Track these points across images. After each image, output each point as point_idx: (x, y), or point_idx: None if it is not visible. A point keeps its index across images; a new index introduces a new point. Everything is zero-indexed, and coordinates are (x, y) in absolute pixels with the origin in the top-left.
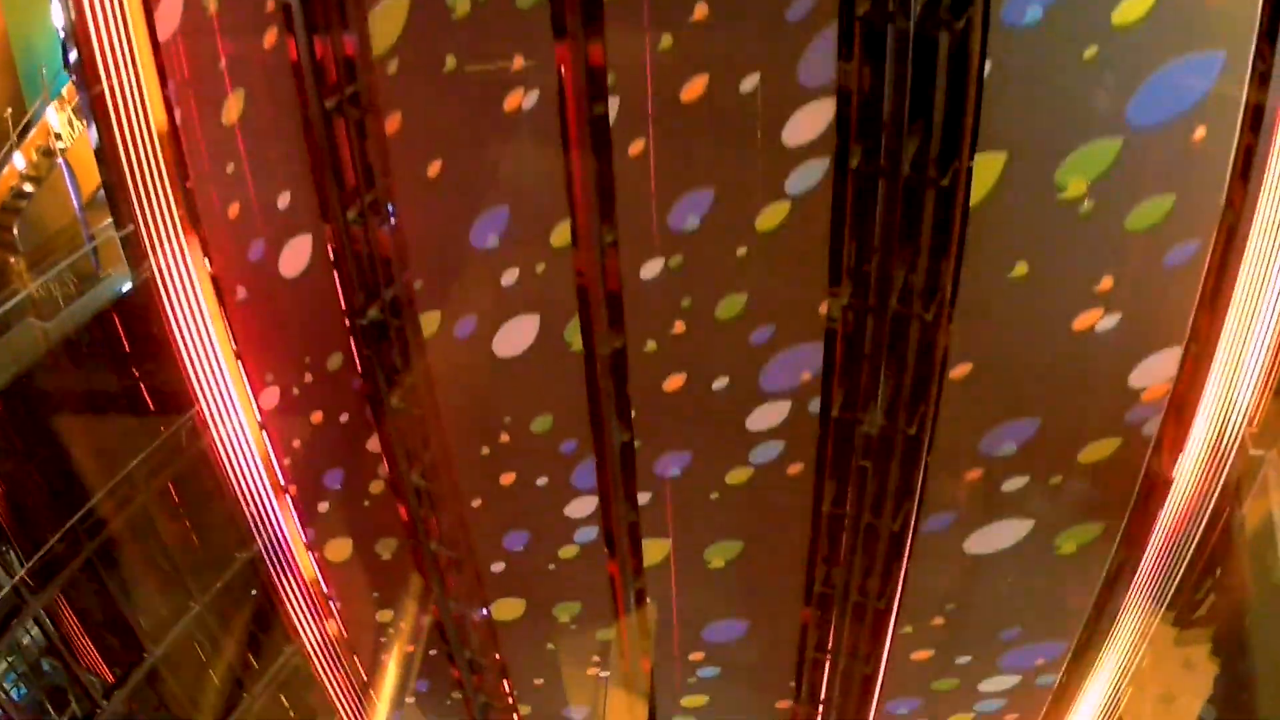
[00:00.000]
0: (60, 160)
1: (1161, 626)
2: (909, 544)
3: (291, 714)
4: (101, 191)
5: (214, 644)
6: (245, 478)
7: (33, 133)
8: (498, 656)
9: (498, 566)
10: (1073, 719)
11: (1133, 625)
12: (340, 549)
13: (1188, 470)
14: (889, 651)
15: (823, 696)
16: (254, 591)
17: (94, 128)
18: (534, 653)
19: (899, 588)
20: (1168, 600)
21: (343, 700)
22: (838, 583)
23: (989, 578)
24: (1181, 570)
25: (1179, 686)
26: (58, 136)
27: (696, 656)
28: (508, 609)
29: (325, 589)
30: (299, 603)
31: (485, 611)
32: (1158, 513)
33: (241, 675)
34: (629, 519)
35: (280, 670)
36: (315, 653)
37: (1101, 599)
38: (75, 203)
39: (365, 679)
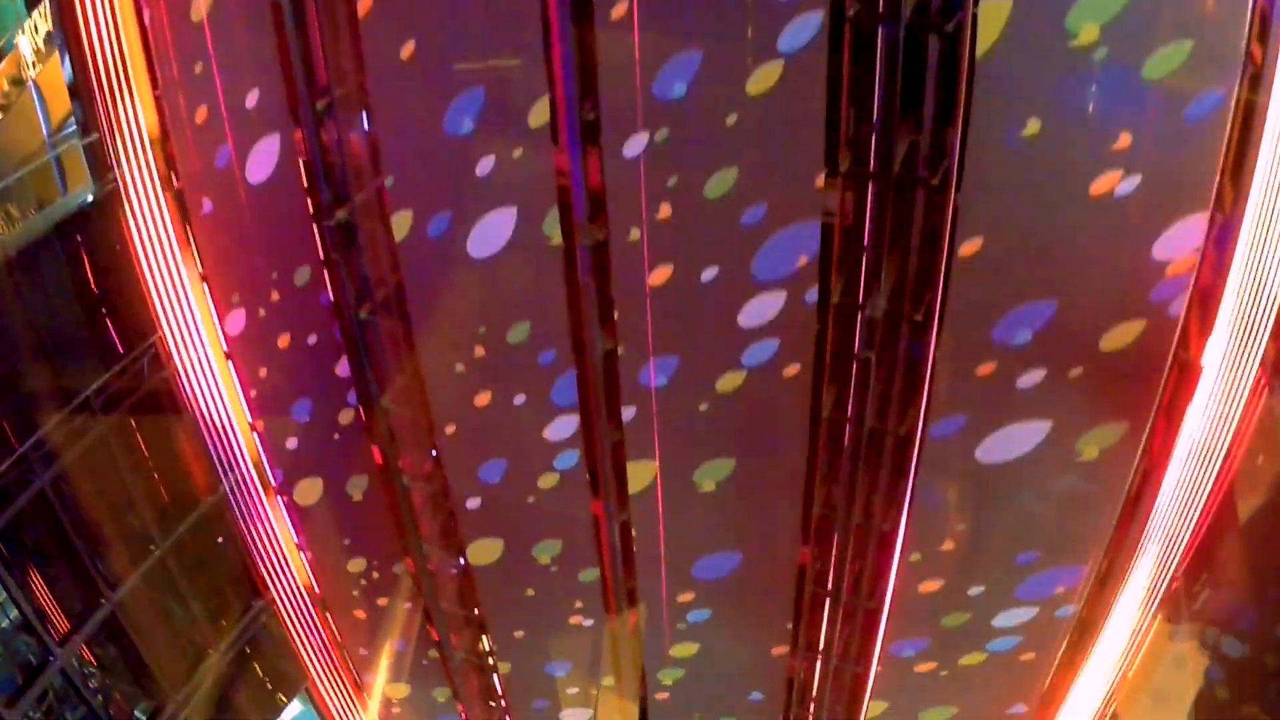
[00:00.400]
0: (30, 84)
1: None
2: (916, 453)
3: (260, 674)
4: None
5: (177, 596)
6: (210, 412)
7: (3, 63)
8: (476, 612)
9: (473, 502)
10: (1094, 658)
11: (1159, 546)
12: (310, 491)
13: (1217, 358)
14: (894, 584)
15: (822, 639)
16: (220, 540)
17: (61, 30)
18: (513, 601)
19: (905, 506)
20: (1196, 517)
21: (314, 660)
22: (839, 504)
23: (1004, 491)
24: (1211, 482)
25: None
26: (31, 63)
27: (686, 598)
28: (485, 551)
29: (295, 537)
30: (267, 553)
31: (462, 561)
32: (1185, 407)
33: (207, 631)
34: (612, 439)
35: (248, 627)
36: (285, 608)
37: (1126, 514)
38: (44, 129)
39: (339, 637)
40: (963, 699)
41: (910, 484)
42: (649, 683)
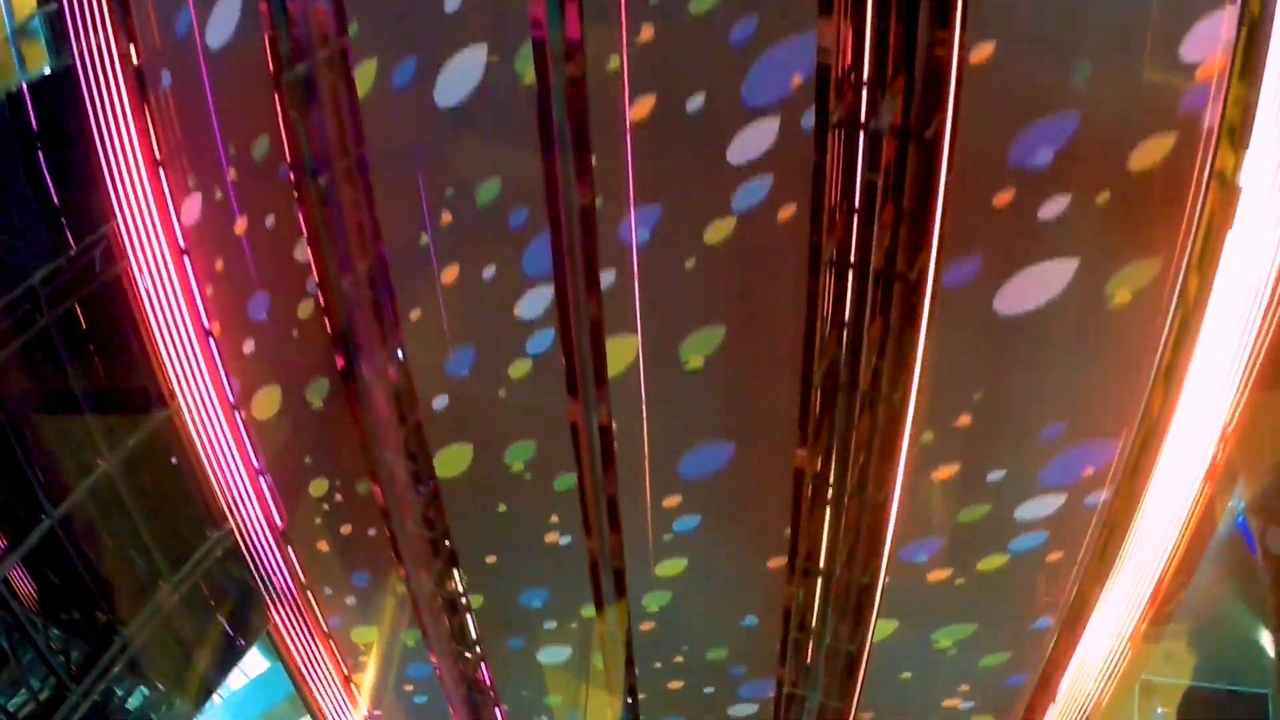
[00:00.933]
0: None
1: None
2: (927, 304)
3: (218, 618)
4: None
5: (125, 517)
6: (163, 313)
7: None
8: (446, 543)
9: (440, 402)
10: (1128, 560)
11: (1203, 412)
12: (268, 402)
13: (1257, 177)
14: (905, 470)
15: (824, 545)
16: (174, 461)
17: None
18: (484, 519)
19: (915, 371)
20: (1242, 376)
21: (277, 601)
22: (842, 374)
23: (1025, 349)
24: (1257, 330)
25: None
26: None
27: (672, 502)
28: (453, 461)
29: (254, 459)
30: (224, 478)
31: (430, 483)
32: (1223, 235)
33: (159, 561)
34: (590, 315)
35: (204, 559)
36: (244, 541)
37: (1162, 373)
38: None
39: (302, 576)
40: (982, 613)
41: (921, 343)
42: (633, 612)
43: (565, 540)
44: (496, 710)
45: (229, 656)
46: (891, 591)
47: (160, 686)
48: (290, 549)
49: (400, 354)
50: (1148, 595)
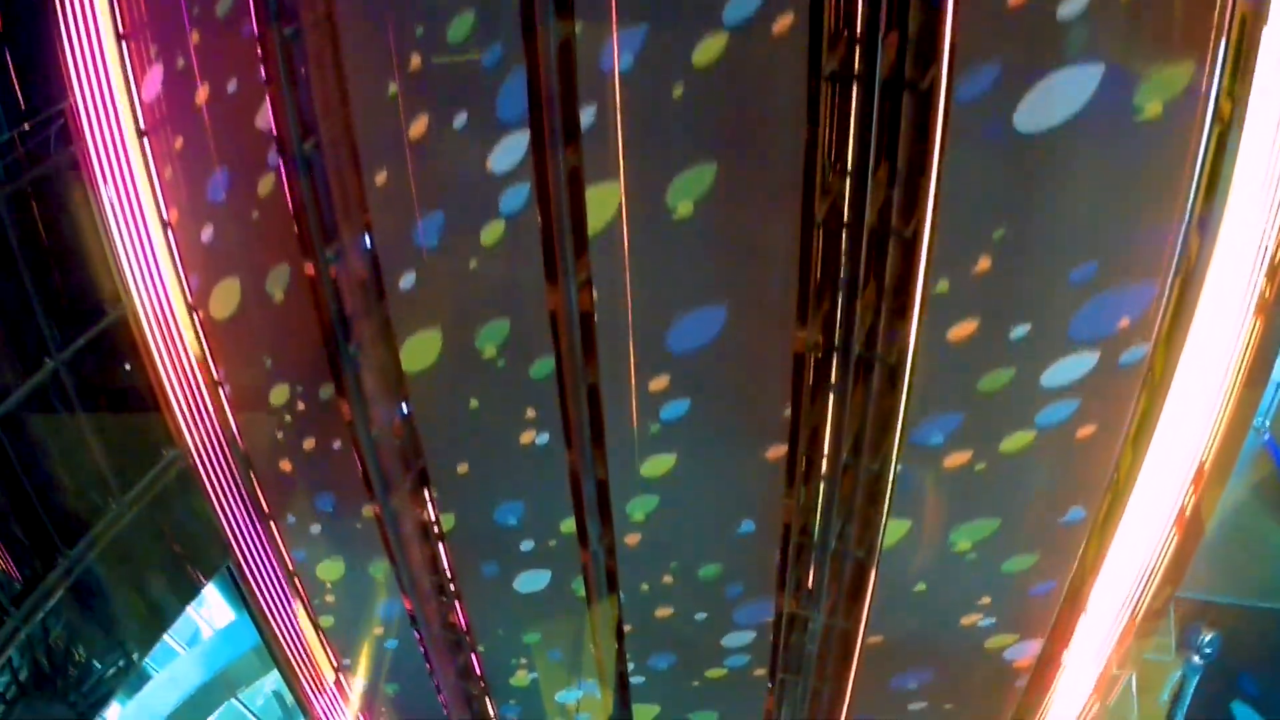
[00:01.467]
0: None
1: None
2: (940, 121)
3: (173, 549)
4: None
5: (74, 428)
6: (120, 201)
7: None
8: (415, 459)
9: (407, 280)
10: (1171, 430)
11: (1247, 246)
12: (226, 297)
13: None
14: (918, 326)
15: (829, 420)
16: (127, 366)
17: None
18: (455, 420)
19: (930, 202)
20: None
21: (236, 532)
22: (847, 211)
23: (1050, 173)
24: None
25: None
26: None
27: (659, 384)
28: (421, 351)
29: (213, 367)
30: (180, 389)
31: (404, 409)
32: (1259, 31)
33: (109, 478)
34: (569, 164)
35: (158, 479)
36: (201, 462)
37: (1202, 200)
38: None
39: (265, 505)
40: (1005, 506)
41: (935, 170)
42: (617, 523)
43: (542, 439)
44: (472, 655)
45: (184, 592)
46: (903, 484)
47: (109, 622)
48: (251, 472)
49: (366, 230)
50: (1192, 474)
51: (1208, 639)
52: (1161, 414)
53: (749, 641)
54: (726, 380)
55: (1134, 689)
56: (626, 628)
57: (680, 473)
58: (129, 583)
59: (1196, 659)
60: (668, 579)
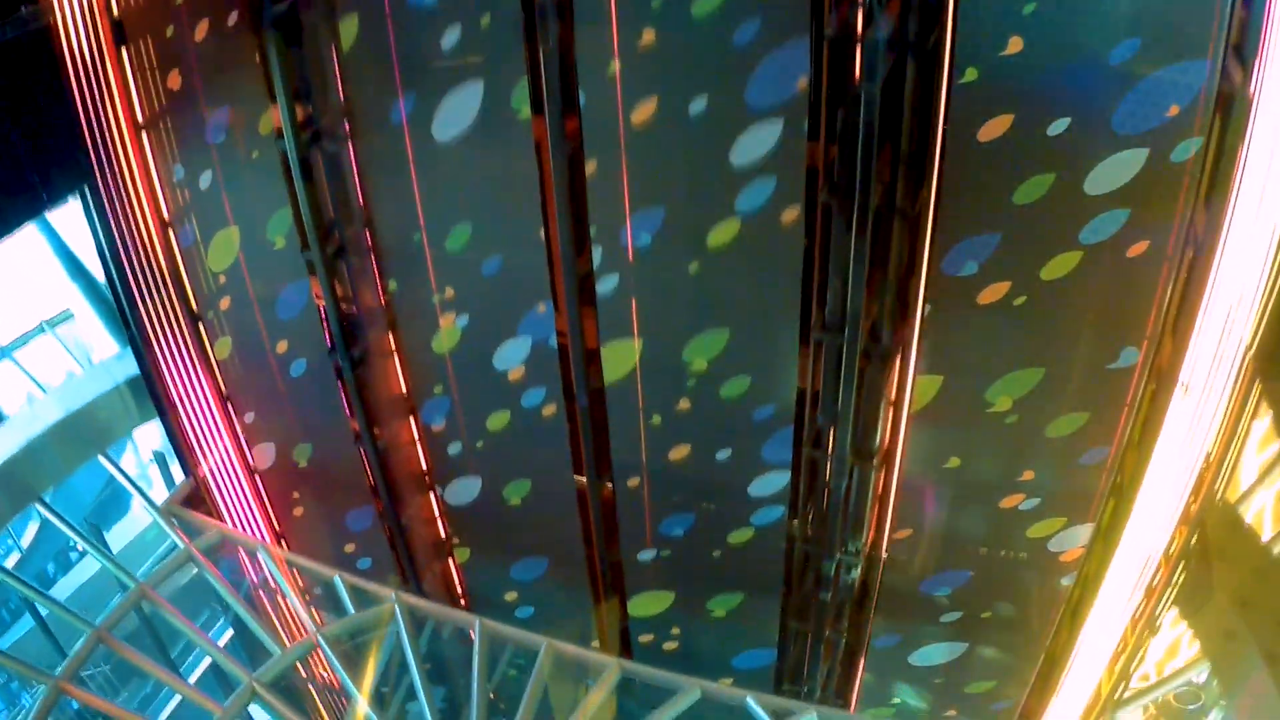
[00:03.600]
0: None
1: None
2: None
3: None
4: None
5: None
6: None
7: None
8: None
9: None
10: (1236, 237)
11: None
12: None
13: None
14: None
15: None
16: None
17: None
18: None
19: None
20: None
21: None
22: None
23: None
24: None
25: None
26: None
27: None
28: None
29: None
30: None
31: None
32: None
33: None
34: None
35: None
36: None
37: None
38: None
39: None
40: (1049, 349)
41: None
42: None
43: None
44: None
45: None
46: (934, 326)
47: None
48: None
49: None
50: (1259, 299)
51: None
52: (1224, 219)
53: (778, 490)
54: None
55: None
56: (631, 482)
57: None
58: None
59: None
60: (685, 402)
